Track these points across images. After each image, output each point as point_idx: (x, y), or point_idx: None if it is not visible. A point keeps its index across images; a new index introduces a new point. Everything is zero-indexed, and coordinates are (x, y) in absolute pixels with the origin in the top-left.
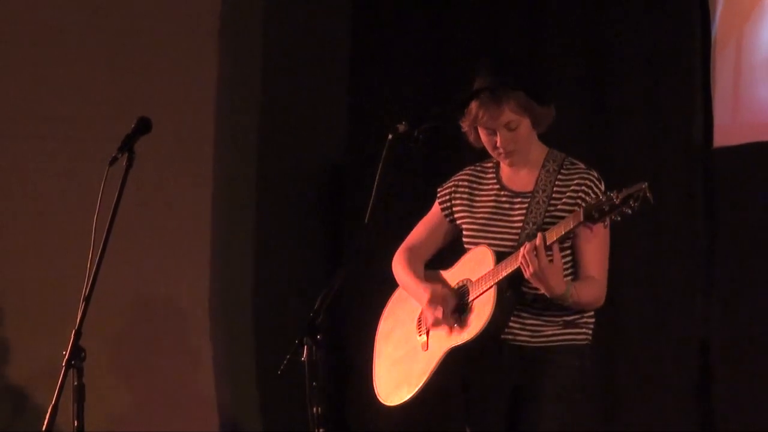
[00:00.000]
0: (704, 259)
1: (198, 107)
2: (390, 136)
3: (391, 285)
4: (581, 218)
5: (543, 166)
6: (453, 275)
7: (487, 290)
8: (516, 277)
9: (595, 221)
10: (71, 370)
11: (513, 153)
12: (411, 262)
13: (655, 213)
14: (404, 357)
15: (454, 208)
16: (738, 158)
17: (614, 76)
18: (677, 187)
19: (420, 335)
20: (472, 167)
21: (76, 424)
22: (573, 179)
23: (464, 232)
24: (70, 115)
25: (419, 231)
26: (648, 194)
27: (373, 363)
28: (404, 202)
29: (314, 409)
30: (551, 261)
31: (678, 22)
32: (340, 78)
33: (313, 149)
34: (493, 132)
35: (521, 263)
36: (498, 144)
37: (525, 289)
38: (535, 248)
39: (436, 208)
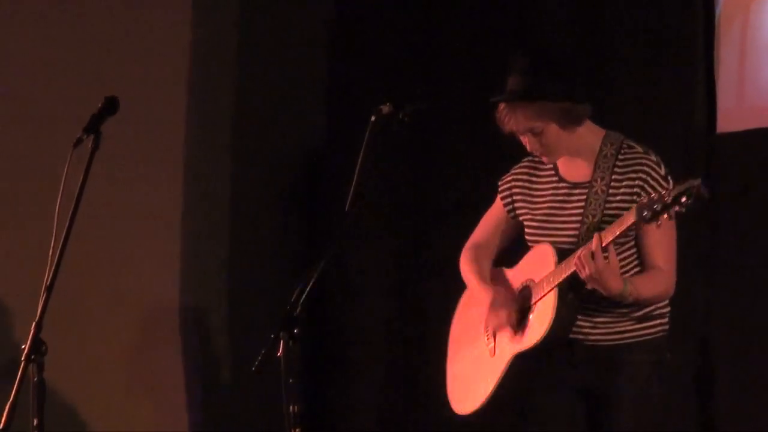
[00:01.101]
0: (705, 251)
1: (169, 90)
2: (373, 118)
3: (383, 276)
4: (633, 218)
5: (600, 151)
6: (516, 275)
7: (548, 293)
8: (578, 278)
9: (648, 221)
10: (31, 365)
11: (548, 153)
12: (476, 260)
13: None
14: (472, 364)
15: (515, 204)
16: (743, 144)
17: (608, 56)
18: (677, 175)
19: (488, 340)
20: (530, 158)
21: (35, 423)
22: (630, 165)
23: (525, 229)
24: (30, 95)
25: (483, 227)
26: (702, 191)
27: (446, 368)
28: (389, 189)
29: (291, 408)
30: (607, 262)
31: (680, 2)
32: (318, 58)
33: (289, 135)
34: (523, 135)
35: (576, 266)
36: (527, 147)
37: (590, 291)
38: (591, 252)
39: (498, 202)
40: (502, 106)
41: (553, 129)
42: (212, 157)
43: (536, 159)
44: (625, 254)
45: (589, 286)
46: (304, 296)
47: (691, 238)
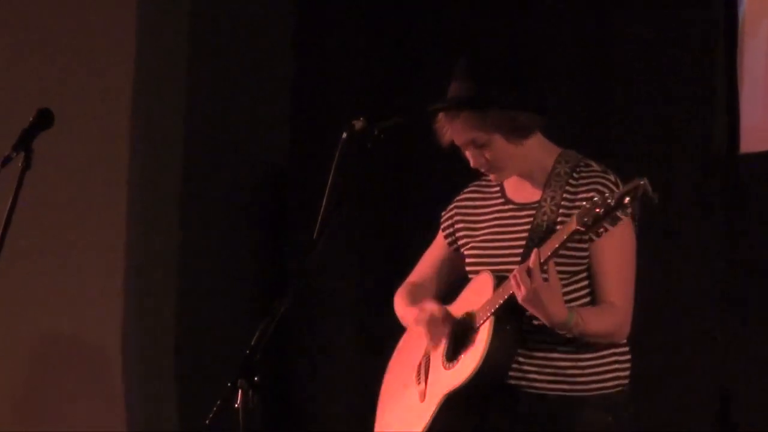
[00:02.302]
0: (723, 287)
1: (110, 99)
2: (344, 135)
3: (352, 315)
4: (574, 226)
5: (553, 169)
6: (456, 308)
7: (484, 322)
8: (517, 305)
9: (590, 229)
10: None
11: (494, 169)
12: (412, 294)
13: (668, 233)
14: (400, 414)
15: (457, 234)
16: None
17: (619, 67)
18: (693, 202)
19: (419, 384)
20: (477, 182)
21: None
22: (585, 185)
23: (466, 260)
24: None
25: (422, 265)
26: (648, 191)
27: (375, 423)
28: (362, 214)
29: None
30: (547, 283)
31: (697, 1)
32: (281, 63)
33: (248, 149)
34: (466, 148)
35: (512, 285)
36: (471, 161)
37: (535, 321)
38: (528, 269)
39: (438, 237)
40: (441, 115)
41: (498, 141)
42: (160, 178)
43: (483, 183)
44: (576, 285)
45: (528, 311)
46: (266, 338)
47: (711, 274)
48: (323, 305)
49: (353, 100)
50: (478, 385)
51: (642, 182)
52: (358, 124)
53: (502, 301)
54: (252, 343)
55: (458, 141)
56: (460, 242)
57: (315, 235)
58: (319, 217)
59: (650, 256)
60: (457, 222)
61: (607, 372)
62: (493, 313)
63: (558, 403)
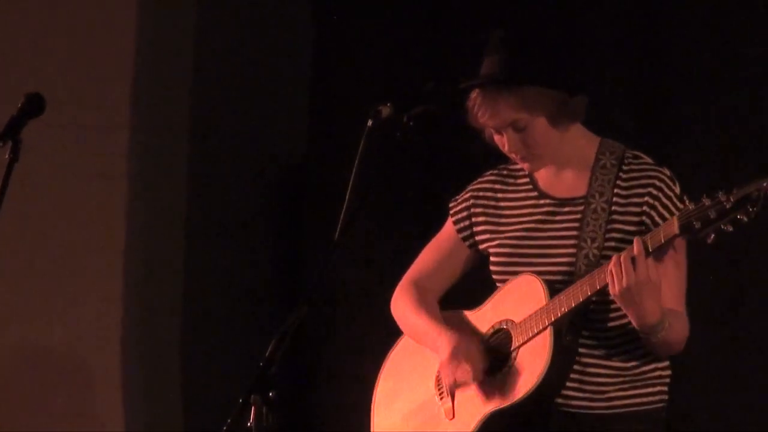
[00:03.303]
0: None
1: (109, 89)
2: (369, 123)
3: (375, 324)
4: (676, 230)
5: (596, 161)
6: (486, 316)
7: (537, 334)
8: (579, 316)
9: (695, 234)
10: None
11: (530, 157)
12: (421, 300)
13: (732, 260)
14: (420, 429)
15: (474, 228)
16: None
17: (673, 76)
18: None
19: (442, 399)
20: (497, 170)
21: None
22: (638, 179)
23: (492, 259)
24: None
25: (427, 258)
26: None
27: None
28: (390, 212)
29: None
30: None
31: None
32: (297, 48)
33: (261, 142)
34: (499, 132)
35: (613, 274)
36: (505, 148)
37: (587, 333)
38: (633, 257)
39: (449, 227)
40: (475, 93)
41: (541, 124)
42: (163, 176)
43: (504, 171)
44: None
45: (618, 302)
46: (282, 350)
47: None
48: (346, 314)
49: (378, 86)
50: (530, 405)
51: (765, 183)
52: (386, 110)
53: (567, 309)
54: (266, 356)
55: (494, 122)
56: (479, 238)
57: (336, 237)
58: (341, 217)
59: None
60: (476, 214)
61: (650, 385)
62: (552, 323)
63: (595, 422)
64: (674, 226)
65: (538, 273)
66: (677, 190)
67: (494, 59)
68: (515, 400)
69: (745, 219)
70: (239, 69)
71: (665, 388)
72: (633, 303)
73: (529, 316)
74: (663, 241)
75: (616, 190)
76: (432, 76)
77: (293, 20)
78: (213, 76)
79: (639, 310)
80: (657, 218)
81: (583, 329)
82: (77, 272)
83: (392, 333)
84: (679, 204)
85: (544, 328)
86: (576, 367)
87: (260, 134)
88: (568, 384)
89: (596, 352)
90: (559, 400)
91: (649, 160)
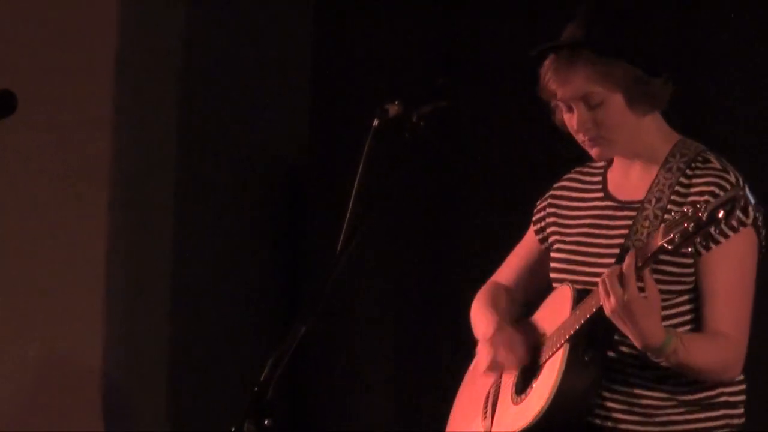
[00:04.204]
0: None
1: (90, 85)
2: (375, 123)
3: (386, 338)
4: (659, 240)
5: (665, 162)
6: (529, 327)
7: (558, 349)
8: (601, 328)
9: (678, 246)
10: None
11: (600, 141)
12: (491, 299)
13: None
14: None
15: (548, 230)
16: None
17: (712, 68)
18: None
19: (484, 418)
20: (579, 168)
21: None
22: (698, 185)
23: (551, 264)
24: None
25: (509, 263)
26: (750, 203)
27: None
28: (397, 217)
29: None
30: (643, 294)
31: None
32: (297, 42)
33: (258, 143)
34: (570, 108)
35: (601, 293)
36: (575, 125)
37: (623, 348)
38: (621, 273)
39: (529, 231)
40: (549, 59)
41: (617, 103)
42: (150, 178)
43: (585, 169)
44: (678, 308)
45: (616, 333)
46: (279, 371)
47: None
48: (350, 330)
49: (384, 81)
50: (549, 425)
51: (741, 193)
52: (393, 108)
53: (578, 326)
54: (262, 378)
55: (565, 92)
56: (550, 240)
57: (340, 246)
58: (345, 224)
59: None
60: (550, 215)
61: (711, 409)
62: (567, 340)
63: None
64: (658, 238)
65: (585, 282)
66: (740, 209)
67: (575, 25)
68: (525, 424)
69: (723, 231)
70: (232, 62)
71: (733, 411)
72: (626, 323)
73: (557, 328)
74: (649, 255)
75: (673, 197)
76: (443, 71)
77: (292, 11)
78: (203, 69)
79: (635, 330)
80: (712, 232)
81: (609, 345)
82: (54, 283)
83: (406, 348)
84: (740, 215)
85: (561, 345)
86: (621, 388)
87: (256, 134)
88: (615, 406)
89: (645, 374)
90: (609, 424)
91: (718, 165)
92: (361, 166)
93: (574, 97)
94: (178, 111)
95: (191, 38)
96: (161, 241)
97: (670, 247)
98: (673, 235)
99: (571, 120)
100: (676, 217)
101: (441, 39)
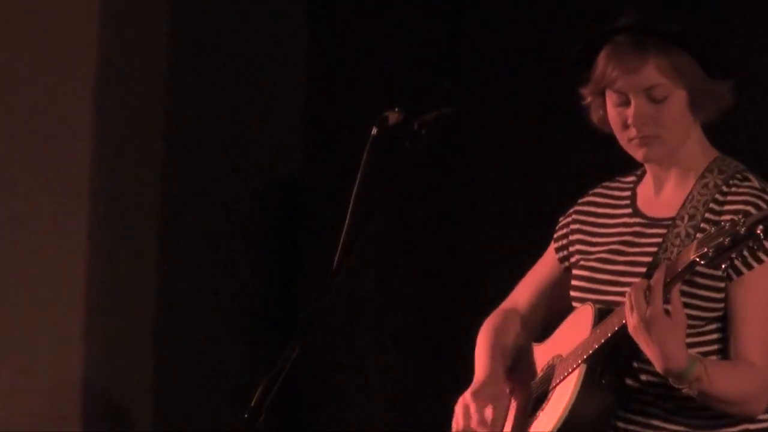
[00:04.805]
0: None
1: (68, 88)
2: (374, 131)
3: (386, 364)
4: (692, 255)
5: (701, 178)
6: (546, 350)
7: (572, 371)
8: (622, 351)
9: (711, 261)
10: None
11: (653, 140)
12: (500, 330)
13: None
14: None
15: (571, 248)
16: None
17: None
18: None
19: None
20: (607, 183)
21: None
22: (734, 203)
23: (572, 282)
24: None
25: (524, 283)
26: None
27: None
28: (398, 231)
29: None
30: (668, 316)
31: None
32: (291, 45)
33: (250, 154)
34: (625, 100)
35: (626, 307)
36: (630, 119)
37: (642, 376)
38: (649, 287)
39: (549, 250)
40: (615, 44)
41: (680, 101)
42: (134, 192)
43: (614, 184)
44: (706, 336)
45: (638, 358)
46: (271, 396)
47: None
48: (347, 349)
49: (383, 87)
50: None
51: None
52: (393, 116)
53: (598, 345)
54: (252, 403)
55: (630, 80)
56: (573, 259)
57: (336, 262)
58: (341, 240)
59: None
60: (574, 232)
61: None
62: (585, 361)
63: None
64: (690, 252)
65: (608, 303)
66: None
67: (637, 13)
68: None
69: (757, 247)
70: (222, 66)
71: None
72: (648, 341)
73: (574, 349)
74: (679, 270)
75: (707, 215)
76: (447, 74)
77: (285, 14)
78: (192, 75)
79: (657, 350)
80: (746, 253)
81: (628, 369)
82: (31, 304)
83: (406, 363)
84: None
85: (578, 366)
86: (637, 417)
87: (247, 143)
88: None
89: (664, 404)
90: None
91: (757, 184)
92: (358, 177)
93: (639, 87)
94: (164, 118)
95: (178, 42)
96: (146, 256)
97: (703, 262)
98: (708, 250)
99: (624, 113)
100: (712, 231)
101: (445, 40)
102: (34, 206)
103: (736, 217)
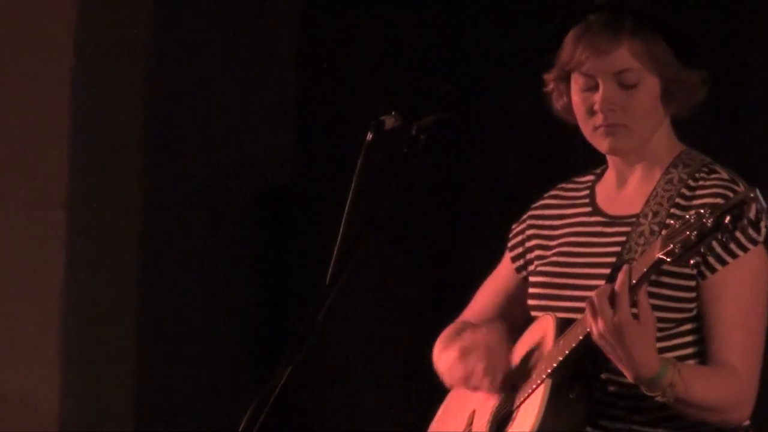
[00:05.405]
0: None
1: (43, 94)
2: (369, 137)
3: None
4: (657, 252)
5: (665, 173)
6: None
7: (536, 389)
8: (588, 360)
9: (678, 259)
10: None
11: (620, 129)
12: (452, 340)
13: None
14: None
15: (528, 255)
16: None
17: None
18: None
19: None
20: (563, 184)
21: None
22: (703, 196)
23: (529, 289)
24: None
25: (480, 298)
26: (763, 207)
27: None
28: (395, 242)
29: None
30: (636, 321)
31: None
32: (281, 48)
33: (238, 160)
34: (594, 85)
35: (588, 315)
36: (596, 105)
37: (611, 387)
38: (613, 292)
39: (504, 259)
40: (587, 23)
41: (652, 87)
42: (113, 202)
43: (570, 185)
44: (679, 339)
45: (604, 350)
46: (261, 419)
47: None
48: (342, 370)
49: (378, 90)
50: None
51: (752, 195)
52: (389, 121)
53: (562, 358)
54: (241, 428)
55: (600, 63)
56: (531, 267)
57: (329, 277)
58: (335, 251)
59: None
60: (531, 238)
61: None
62: (549, 375)
63: None
64: (655, 250)
65: (569, 309)
66: (752, 213)
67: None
68: None
69: (735, 239)
70: (207, 67)
71: None
72: (616, 349)
73: (536, 364)
74: (645, 270)
75: (672, 210)
76: (446, 77)
77: (277, 13)
78: (174, 75)
79: (626, 357)
80: (717, 248)
81: (597, 381)
82: (5, 320)
83: (405, 374)
84: (750, 232)
85: (542, 381)
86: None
87: (236, 149)
88: None
89: (637, 417)
90: None
91: (726, 176)
92: (353, 185)
93: (609, 70)
94: (146, 124)
95: (160, 41)
96: (124, 271)
97: (669, 259)
98: (673, 246)
99: (590, 98)
100: (677, 226)
101: (444, 42)
102: (10, 217)
103: (701, 210)
